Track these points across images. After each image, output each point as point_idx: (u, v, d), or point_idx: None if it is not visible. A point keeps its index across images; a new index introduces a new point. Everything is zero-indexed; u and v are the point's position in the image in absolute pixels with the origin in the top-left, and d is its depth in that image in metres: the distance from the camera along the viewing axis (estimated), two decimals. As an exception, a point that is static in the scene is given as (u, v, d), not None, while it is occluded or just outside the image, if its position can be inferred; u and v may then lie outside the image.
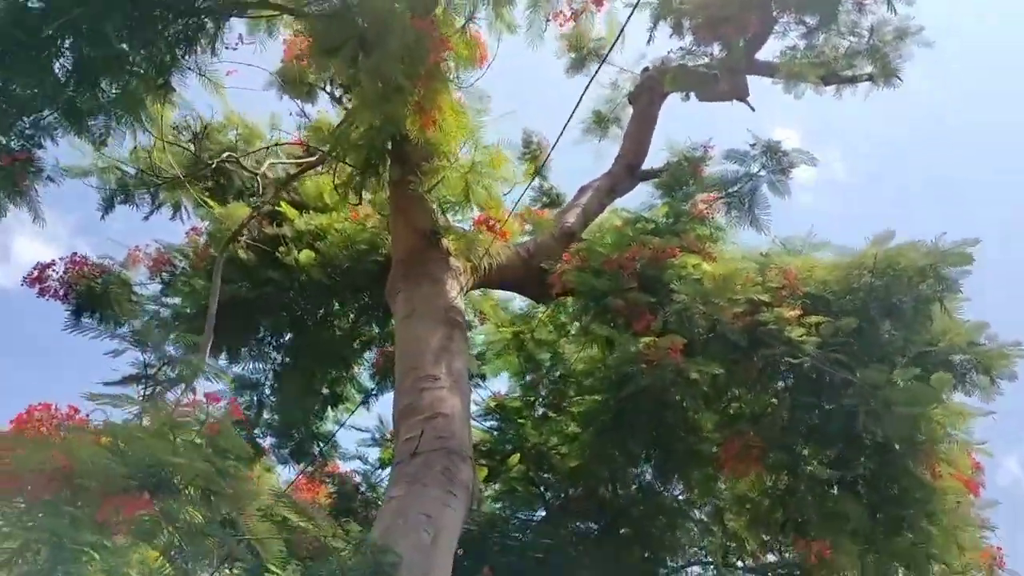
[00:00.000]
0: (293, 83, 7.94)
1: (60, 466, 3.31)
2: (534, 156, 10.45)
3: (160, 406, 3.07)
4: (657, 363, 5.94)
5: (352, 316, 8.42)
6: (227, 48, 5.57)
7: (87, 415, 3.69)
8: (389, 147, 5.88)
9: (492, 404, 9.18)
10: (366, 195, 7.11)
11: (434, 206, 5.97)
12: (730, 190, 7.00)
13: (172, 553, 3.35)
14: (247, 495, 2.96)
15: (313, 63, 5.40)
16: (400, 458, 4.82)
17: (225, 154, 6.58)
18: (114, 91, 5.37)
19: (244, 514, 3.82)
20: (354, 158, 5.83)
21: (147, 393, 3.45)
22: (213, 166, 7.23)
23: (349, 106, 6.21)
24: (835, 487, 6.21)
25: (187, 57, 5.54)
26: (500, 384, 9.56)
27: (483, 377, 9.61)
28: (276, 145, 7.04)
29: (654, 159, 8.67)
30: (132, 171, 8.20)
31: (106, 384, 3.95)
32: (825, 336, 6.00)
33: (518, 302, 9.05)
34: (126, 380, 3.98)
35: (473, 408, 9.13)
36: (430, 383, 5.18)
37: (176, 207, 8.51)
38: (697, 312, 6.29)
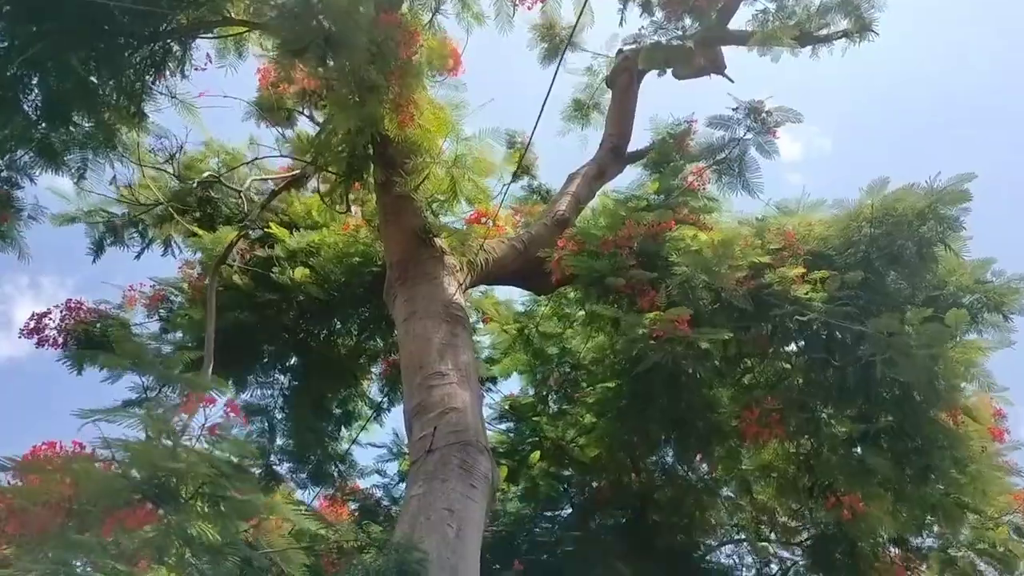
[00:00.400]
0: (271, 111, 7.91)
1: (66, 496, 3.24)
2: (520, 155, 10.42)
3: (157, 416, 2.98)
4: (666, 338, 5.84)
5: (355, 332, 8.34)
6: (196, 70, 5.52)
7: (93, 450, 3.62)
8: (371, 151, 5.82)
9: (506, 406, 9.10)
10: (354, 204, 7.03)
11: (422, 205, 5.89)
12: (718, 157, 6.93)
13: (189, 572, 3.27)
14: (256, 500, 2.87)
15: (280, 68, 5.33)
16: (416, 457, 4.73)
17: (206, 173, 6.51)
18: (87, 124, 5.31)
19: (261, 529, 3.75)
20: (337, 165, 5.77)
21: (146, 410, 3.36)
22: (196, 190, 7.18)
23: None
24: (858, 445, 6.11)
25: (157, 83, 5.48)
26: (512, 386, 9.51)
27: (494, 380, 9.53)
28: (255, 160, 6.96)
29: (639, 140, 8.64)
30: (118, 212, 8.20)
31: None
32: (832, 291, 5.92)
33: (519, 299, 9.00)
34: (127, 405, 3.90)
35: (487, 411, 9.10)
36: (438, 380, 5.10)
37: (166, 243, 8.46)
38: (699, 283, 6.20)
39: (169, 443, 2.83)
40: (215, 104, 6.88)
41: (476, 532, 4.31)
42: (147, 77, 5.44)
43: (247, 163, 6.52)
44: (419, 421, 4.93)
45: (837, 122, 20.35)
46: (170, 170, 5.60)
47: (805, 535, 7.74)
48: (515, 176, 8.99)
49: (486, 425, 8.38)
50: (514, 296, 8.98)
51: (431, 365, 5.21)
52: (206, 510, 2.81)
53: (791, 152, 21.71)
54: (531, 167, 10.60)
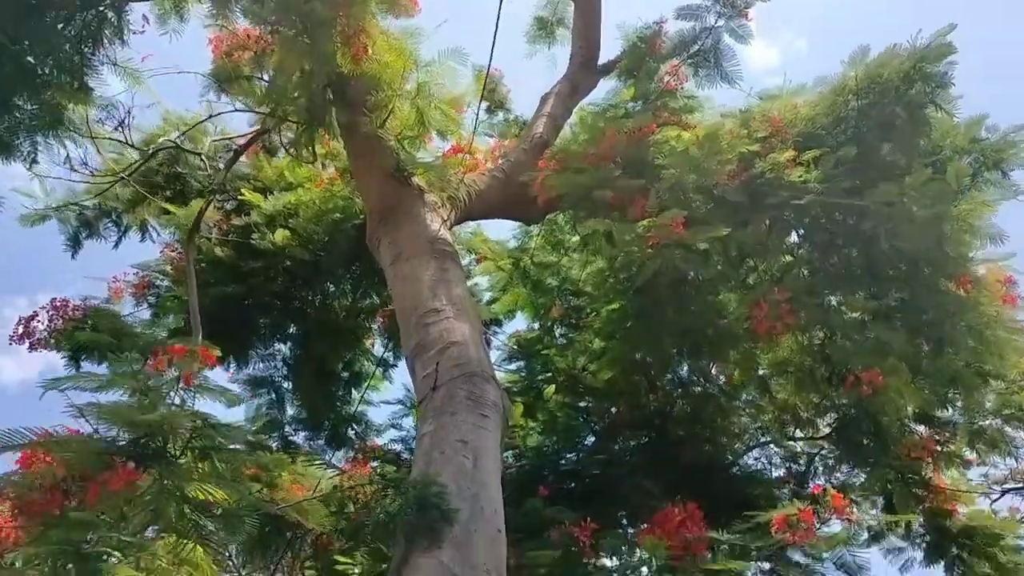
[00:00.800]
0: (228, 81, 7.59)
1: (60, 477, 3.10)
2: (491, 91, 10.13)
3: (122, 373, 2.81)
4: (662, 244, 5.65)
5: (349, 291, 8.16)
6: (135, 34, 5.23)
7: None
8: (329, 94, 5.56)
9: (513, 344, 8.97)
10: (328, 161, 6.79)
11: (392, 144, 5.65)
12: (692, 50, 6.65)
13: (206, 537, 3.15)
14: (242, 450, 2.72)
15: (219, 16, 5.05)
16: (422, 397, 4.59)
17: (161, 139, 6.26)
18: (31, 107, 5.06)
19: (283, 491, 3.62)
20: (295, 111, 5.51)
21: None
22: (163, 168, 6.95)
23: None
24: (871, 326, 5.99)
25: (97, 54, 5.20)
26: (517, 326, 9.37)
27: (499, 323, 9.40)
28: (212, 118, 6.68)
29: (609, 50, 8.31)
30: (89, 204, 7.98)
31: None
32: (826, 171, 5.72)
33: (511, 233, 8.80)
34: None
35: (496, 354, 8.97)
36: (434, 317, 4.93)
37: (142, 228, 8.25)
38: (690, 183, 5.99)
39: (144, 399, 2.67)
40: (173, 82, 6.64)
41: (493, 461, 4.19)
42: (85, 49, 5.16)
43: (205, 121, 6.23)
44: (420, 361, 4.78)
45: (811, 25, 19.87)
46: (121, 138, 5.35)
47: (829, 427, 7.67)
48: (483, 101, 8.74)
49: (496, 368, 8.33)
50: (506, 234, 8.81)
51: (425, 303, 5.04)
52: (202, 468, 2.68)
53: (768, 58, 21.27)
54: (504, 100, 10.32)
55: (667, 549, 4.20)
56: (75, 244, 7.97)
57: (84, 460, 2.61)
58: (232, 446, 2.73)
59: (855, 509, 4.75)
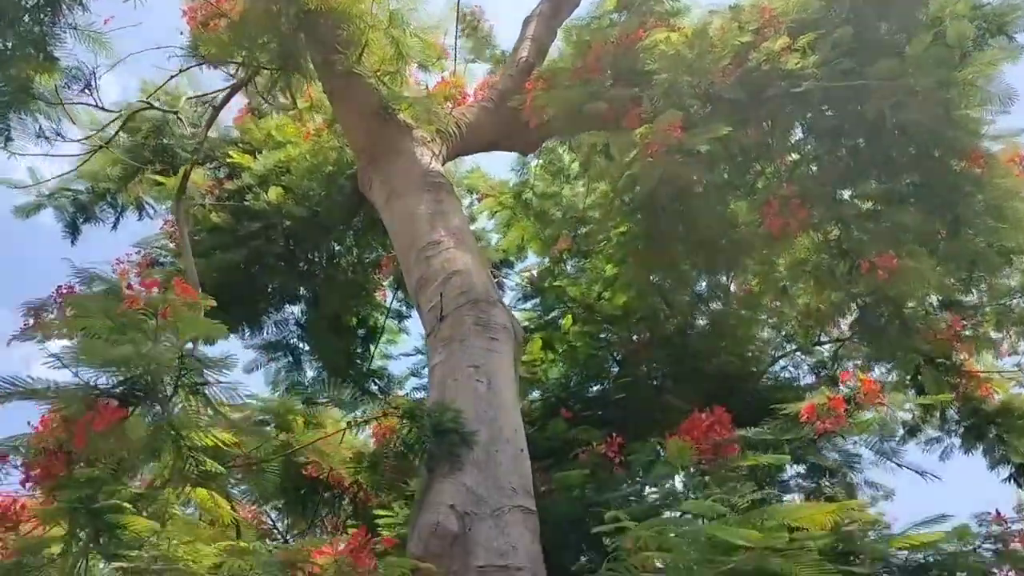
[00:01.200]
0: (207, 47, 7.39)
1: (62, 437, 3.03)
2: (473, 28, 9.84)
3: (91, 307, 2.70)
4: (662, 150, 5.46)
5: (352, 244, 8.04)
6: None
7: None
8: (302, 37, 5.36)
9: (525, 282, 8.85)
10: (317, 114, 6.62)
11: (373, 81, 5.46)
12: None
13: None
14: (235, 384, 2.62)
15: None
16: (430, 329, 4.50)
17: (135, 101, 6.10)
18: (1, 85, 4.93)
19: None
20: (266, 55, 5.33)
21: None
22: (149, 140, 6.82)
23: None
24: (884, 215, 5.81)
25: (57, 22, 5.04)
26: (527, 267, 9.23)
27: (509, 264, 9.28)
28: (184, 71, 6.49)
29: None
30: (81, 188, 7.89)
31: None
32: (823, 54, 5.48)
33: (510, 169, 8.60)
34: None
35: (509, 296, 8.86)
36: (434, 249, 4.81)
37: (139, 206, 8.17)
38: (684, 85, 5.78)
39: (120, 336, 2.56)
40: (143, 46, 6.45)
41: (508, 382, 4.10)
42: (43, 19, 5.00)
43: (175, 76, 6.07)
44: (424, 294, 4.67)
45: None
46: (92, 102, 5.22)
47: (852, 326, 7.51)
48: (467, 38, 8.50)
49: (512, 309, 8.21)
50: (506, 173, 8.59)
51: (423, 237, 4.92)
52: (207, 414, 2.59)
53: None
54: (488, 37, 10.04)
55: (696, 453, 4.10)
56: (74, 230, 7.89)
57: (73, 409, 2.52)
58: (224, 383, 2.64)
59: (886, 395, 4.60)
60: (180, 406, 2.57)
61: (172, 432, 2.44)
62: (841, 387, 4.84)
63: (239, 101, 7.93)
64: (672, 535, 3.01)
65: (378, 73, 5.50)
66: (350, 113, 5.65)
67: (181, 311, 2.67)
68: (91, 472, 2.88)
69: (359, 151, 5.68)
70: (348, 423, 3.90)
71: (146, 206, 8.15)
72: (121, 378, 2.47)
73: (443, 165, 5.94)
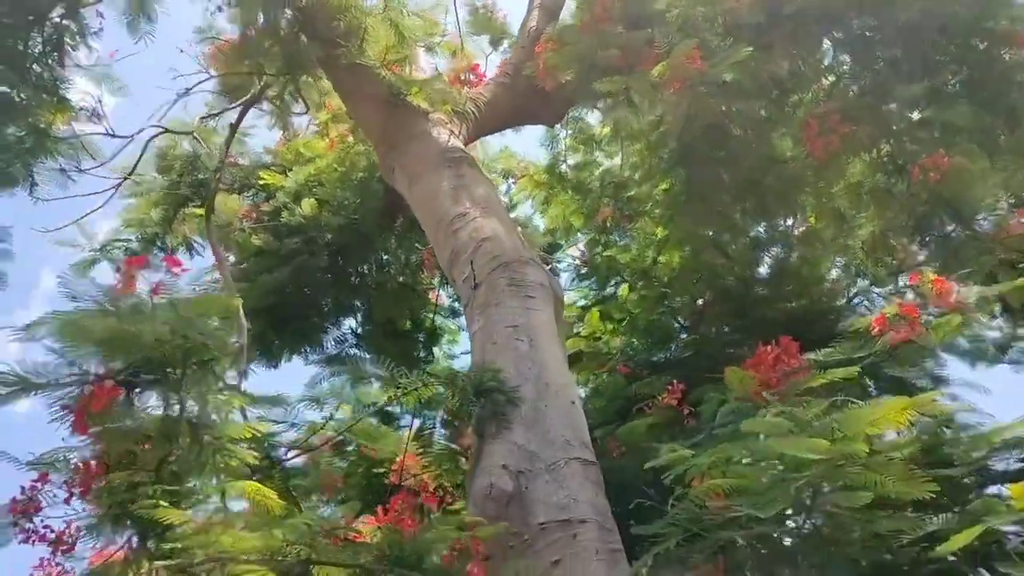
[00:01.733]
0: (231, 89, 7.48)
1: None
2: (489, 17, 9.71)
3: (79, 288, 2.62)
4: (685, 85, 5.22)
5: (395, 247, 7.98)
6: (95, 34, 5.13)
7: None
8: (303, 38, 5.33)
9: (577, 263, 8.67)
10: (325, 117, 6.60)
11: (378, 67, 5.38)
12: None
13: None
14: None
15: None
16: (466, 300, 4.36)
17: (147, 128, 6.17)
18: (18, 133, 5.04)
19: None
20: (272, 62, 5.31)
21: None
22: (185, 178, 6.93)
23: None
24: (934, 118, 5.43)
25: (64, 65, 5.14)
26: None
27: (558, 247, 9.11)
28: (196, 87, 6.53)
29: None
30: (131, 238, 8.06)
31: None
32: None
33: (539, 151, 8.42)
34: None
35: (564, 277, 8.68)
36: (460, 221, 4.68)
37: (188, 246, 8.30)
38: (699, 16, 5.54)
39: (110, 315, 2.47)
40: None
41: (551, 338, 3.92)
42: (51, 63, 5.10)
43: (184, 96, 6.13)
44: (457, 267, 4.54)
45: None
46: (102, 129, 5.31)
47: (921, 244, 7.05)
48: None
49: (567, 290, 8.01)
50: (535, 153, 8.43)
51: (449, 212, 4.79)
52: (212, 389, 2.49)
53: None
54: (504, 28, 9.90)
55: (764, 385, 3.82)
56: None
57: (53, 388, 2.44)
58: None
59: (964, 295, 4.20)
60: (194, 392, 2.47)
61: (187, 421, 2.35)
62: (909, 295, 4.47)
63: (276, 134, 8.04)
64: (735, 459, 2.78)
65: (384, 62, 5.43)
66: (362, 105, 5.59)
67: (173, 292, 2.59)
68: (125, 475, 2.83)
69: (376, 142, 5.61)
70: (389, 396, 3.78)
71: (194, 244, 8.28)
72: (130, 361, 2.38)
73: (465, 145, 5.82)
